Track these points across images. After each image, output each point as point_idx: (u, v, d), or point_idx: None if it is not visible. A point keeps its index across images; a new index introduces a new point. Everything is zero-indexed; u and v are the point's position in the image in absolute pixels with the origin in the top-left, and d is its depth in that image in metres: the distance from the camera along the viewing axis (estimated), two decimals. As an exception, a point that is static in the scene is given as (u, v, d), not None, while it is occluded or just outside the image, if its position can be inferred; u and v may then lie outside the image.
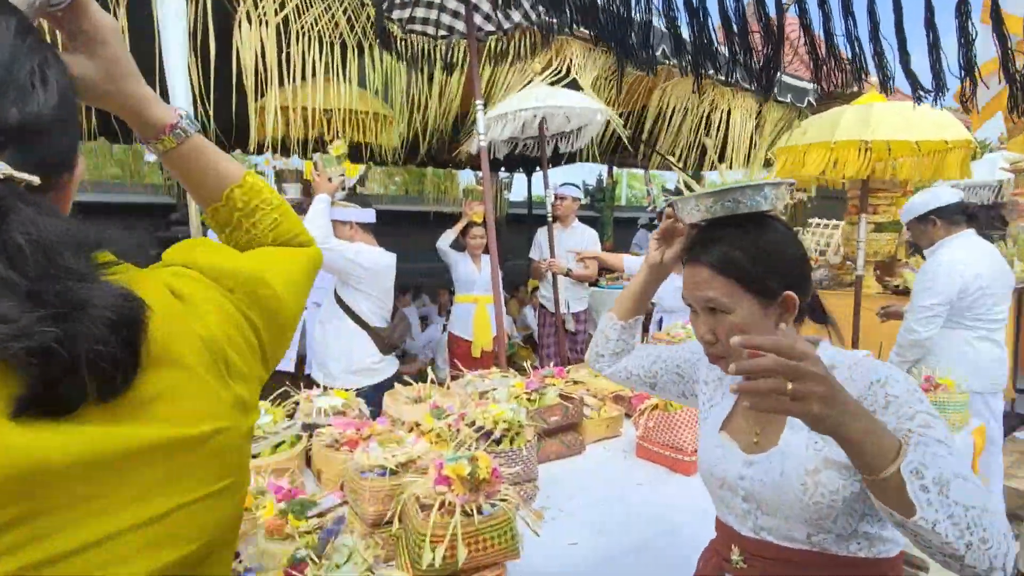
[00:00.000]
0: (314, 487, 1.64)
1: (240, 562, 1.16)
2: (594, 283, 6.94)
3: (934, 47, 0.80)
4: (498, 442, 1.58)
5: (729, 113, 5.01)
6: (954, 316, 2.72)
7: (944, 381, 2.29)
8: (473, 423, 1.64)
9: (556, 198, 4.40)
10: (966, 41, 0.77)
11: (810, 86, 6.16)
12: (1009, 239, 4.30)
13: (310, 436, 1.74)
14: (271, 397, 1.84)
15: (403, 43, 3.17)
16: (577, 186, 4.59)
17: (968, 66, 0.82)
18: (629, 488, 1.75)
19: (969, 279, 2.65)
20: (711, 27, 1.19)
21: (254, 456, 1.59)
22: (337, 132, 3.54)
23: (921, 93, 1.08)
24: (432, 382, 2.21)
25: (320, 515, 1.19)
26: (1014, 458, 3.41)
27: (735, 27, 0.99)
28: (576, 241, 4.46)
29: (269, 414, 1.70)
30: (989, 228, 5.99)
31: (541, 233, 4.45)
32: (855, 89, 6.76)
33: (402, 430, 1.86)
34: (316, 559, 0.98)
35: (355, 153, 5.59)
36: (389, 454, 1.39)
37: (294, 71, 3.00)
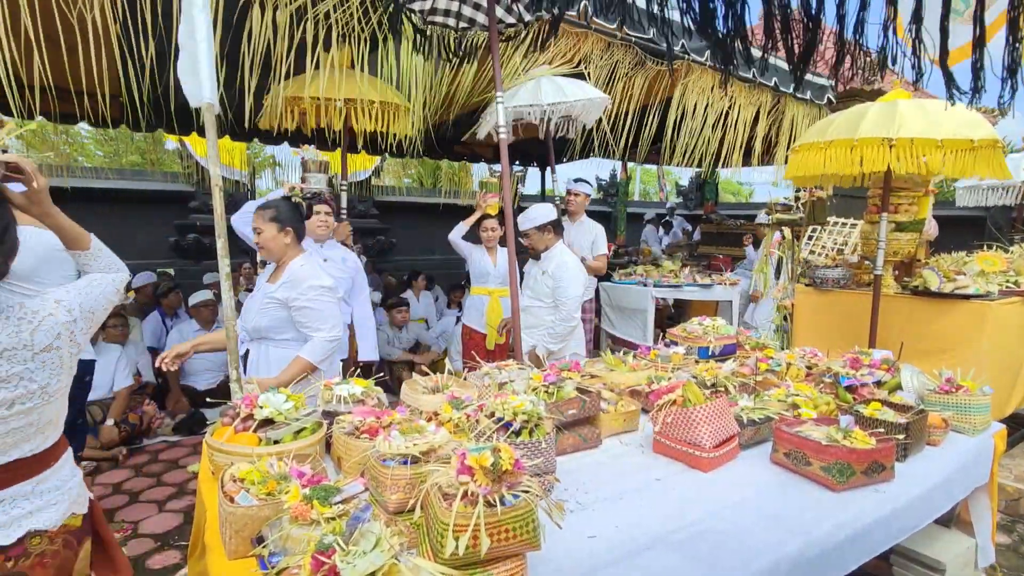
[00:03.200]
0: (334, 474, 1.66)
1: (265, 546, 1.18)
2: (605, 277, 6.91)
3: (979, 44, 0.78)
4: (517, 433, 1.59)
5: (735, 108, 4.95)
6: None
7: (966, 383, 2.26)
8: (492, 414, 1.65)
9: (569, 194, 4.44)
10: (1014, 39, 0.76)
11: (829, 83, 6.09)
12: (1032, 241, 4.23)
13: (330, 423, 1.76)
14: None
15: (421, 34, 3.16)
16: (589, 183, 4.63)
17: (1013, 66, 0.80)
18: (646, 483, 1.75)
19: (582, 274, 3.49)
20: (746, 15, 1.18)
21: (275, 442, 1.61)
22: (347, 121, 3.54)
23: (956, 93, 1.07)
24: (448, 373, 2.22)
25: (344, 501, 1.20)
26: (1032, 463, 3.37)
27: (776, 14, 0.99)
28: (584, 235, 4.52)
29: (291, 401, 1.72)
30: (1010, 230, 5.90)
31: None
32: (875, 87, 6.69)
33: (421, 419, 1.87)
34: (343, 545, 0.99)
35: (370, 144, 5.59)
36: (411, 442, 1.40)
37: (309, 60, 3.01)
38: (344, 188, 4.21)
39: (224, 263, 2.10)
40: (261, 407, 1.67)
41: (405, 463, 1.37)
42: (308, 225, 2.96)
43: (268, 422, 1.67)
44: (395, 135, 3.78)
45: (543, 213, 3.49)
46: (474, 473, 1.17)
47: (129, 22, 2.65)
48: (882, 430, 1.89)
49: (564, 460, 1.87)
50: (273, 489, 1.35)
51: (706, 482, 1.77)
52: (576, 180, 4.59)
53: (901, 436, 1.86)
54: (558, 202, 4.66)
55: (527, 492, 1.17)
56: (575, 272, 3.36)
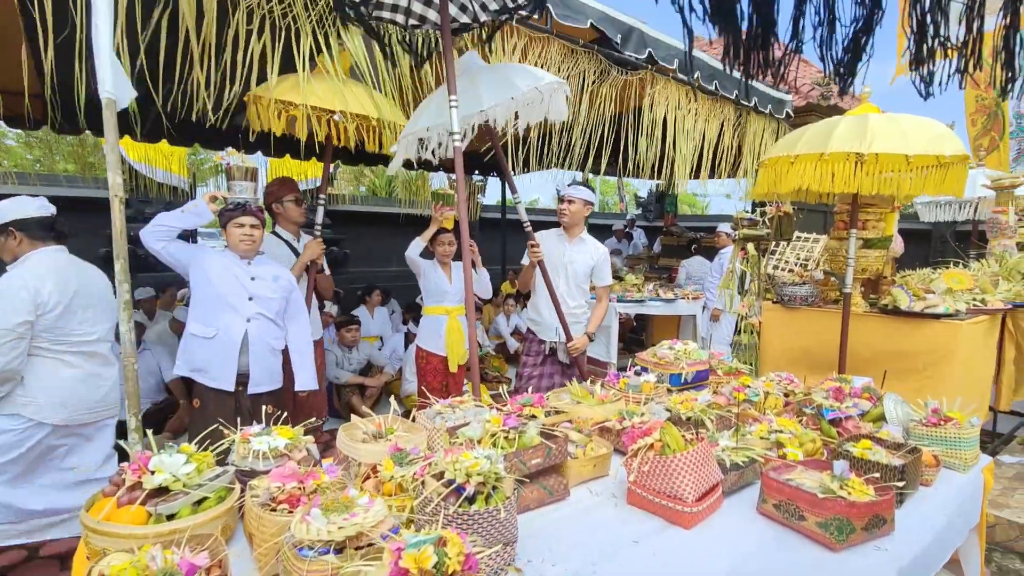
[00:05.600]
0: (246, 557, 1.35)
1: None
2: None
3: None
4: (471, 500, 1.32)
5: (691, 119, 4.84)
6: (36, 340, 2.30)
7: (954, 415, 2.12)
8: (442, 474, 1.38)
9: (563, 201, 3.47)
10: None
11: (788, 97, 6.09)
12: (991, 257, 4.24)
13: (244, 488, 1.45)
14: (199, 438, 1.53)
15: (368, 30, 2.88)
16: (591, 188, 3.54)
17: None
18: (622, 547, 1.50)
19: (47, 296, 2.27)
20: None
21: (169, 517, 1.29)
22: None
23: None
24: (394, 413, 1.94)
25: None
26: (1003, 485, 3.30)
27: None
28: (582, 256, 3.49)
29: (192, 462, 1.40)
30: (965, 245, 6.00)
31: (545, 241, 3.52)
32: (831, 102, 6.75)
33: (355, 480, 1.59)
34: None
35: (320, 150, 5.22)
36: (335, 524, 1.11)
37: (292, 65, 2.71)
38: (322, 202, 3.68)
39: (124, 288, 1.76)
40: (153, 472, 1.35)
41: (327, 553, 1.08)
42: (230, 239, 2.61)
43: (163, 491, 1.35)
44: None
45: (8, 208, 2.37)
46: (411, 578, 0.90)
47: (34, 9, 2.29)
48: (877, 474, 1.71)
49: (527, 518, 1.61)
50: (151, 594, 1.04)
51: (690, 543, 1.54)
52: (571, 184, 3.50)
53: (900, 483, 1.68)
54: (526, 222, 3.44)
55: (480, 602, 0.91)
56: (3, 296, 2.20)
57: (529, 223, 3.43)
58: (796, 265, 4.79)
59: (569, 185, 3.53)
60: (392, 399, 2.03)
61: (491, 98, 2.66)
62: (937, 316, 3.22)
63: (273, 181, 3.51)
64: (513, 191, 3.46)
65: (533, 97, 2.71)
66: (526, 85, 2.64)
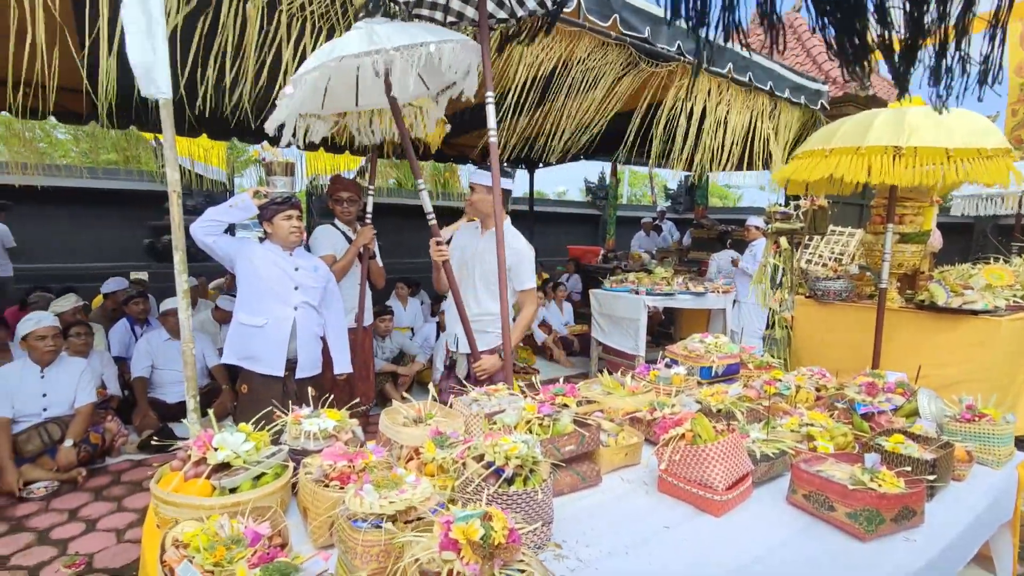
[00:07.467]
0: (301, 529, 1.45)
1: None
2: (595, 283, 6.71)
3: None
4: (510, 482, 1.39)
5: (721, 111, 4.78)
6: None
7: (988, 411, 2.11)
8: (481, 456, 1.45)
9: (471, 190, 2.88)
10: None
11: (824, 87, 5.97)
12: (1034, 253, 4.12)
13: (297, 466, 1.55)
14: (255, 419, 1.64)
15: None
16: (509, 172, 2.94)
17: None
18: (654, 532, 1.56)
19: None
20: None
21: (232, 491, 1.40)
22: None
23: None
24: (434, 399, 2.03)
25: (303, 581, 1.00)
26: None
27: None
28: (492, 254, 2.67)
29: (251, 441, 1.51)
30: (1007, 239, 5.83)
31: (459, 234, 3.08)
32: (870, 92, 6.57)
33: (400, 460, 1.68)
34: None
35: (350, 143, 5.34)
36: (386, 499, 1.20)
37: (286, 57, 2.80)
38: (371, 192, 3.91)
39: (182, 278, 1.87)
40: (216, 449, 1.45)
41: (379, 525, 1.17)
42: (279, 231, 2.72)
43: (225, 466, 1.46)
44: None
45: None
46: (460, 549, 0.98)
47: (87, 7, 2.42)
48: (908, 468, 1.73)
49: (561, 503, 1.68)
50: (222, 558, 1.14)
51: (720, 530, 1.59)
52: (477, 169, 2.85)
53: (931, 476, 1.69)
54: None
55: (524, 573, 0.98)
56: None
57: (432, 214, 2.79)
58: (830, 259, 4.73)
59: (475, 170, 2.90)
60: (431, 386, 2.12)
61: (396, 40, 2.21)
62: (975, 312, 3.17)
63: (333, 176, 3.72)
64: (417, 176, 2.83)
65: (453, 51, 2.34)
66: (439, 36, 2.32)
